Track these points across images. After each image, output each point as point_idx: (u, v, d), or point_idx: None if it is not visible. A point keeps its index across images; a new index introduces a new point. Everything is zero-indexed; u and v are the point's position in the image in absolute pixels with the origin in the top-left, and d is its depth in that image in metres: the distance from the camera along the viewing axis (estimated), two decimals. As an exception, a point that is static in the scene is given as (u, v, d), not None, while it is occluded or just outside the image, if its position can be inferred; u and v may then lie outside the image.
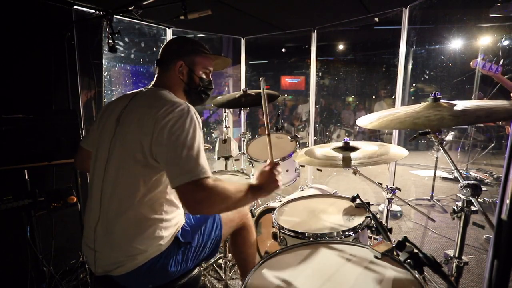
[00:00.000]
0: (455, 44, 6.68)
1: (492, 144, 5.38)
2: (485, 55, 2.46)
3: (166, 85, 1.25)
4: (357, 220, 1.42)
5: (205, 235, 1.31)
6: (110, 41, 2.07)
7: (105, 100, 2.63)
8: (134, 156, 1.07)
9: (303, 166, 2.69)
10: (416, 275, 0.96)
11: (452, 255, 1.16)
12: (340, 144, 1.66)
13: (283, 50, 9.60)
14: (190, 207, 0.98)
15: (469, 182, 1.05)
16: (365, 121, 1.31)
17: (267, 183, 1.17)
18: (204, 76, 1.33)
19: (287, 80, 11.37)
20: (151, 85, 1.30)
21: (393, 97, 3.96)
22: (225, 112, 2.81)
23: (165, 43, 1.33)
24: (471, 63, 2.48)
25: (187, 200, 0.98)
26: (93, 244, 1.12)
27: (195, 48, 1.29)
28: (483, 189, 1.17)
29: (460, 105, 1.12)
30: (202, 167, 0.99)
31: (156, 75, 1.31)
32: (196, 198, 0.97)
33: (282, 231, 1.41)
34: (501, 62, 2.37)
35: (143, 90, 1.24)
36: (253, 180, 1.21)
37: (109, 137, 1.15)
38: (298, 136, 2.29)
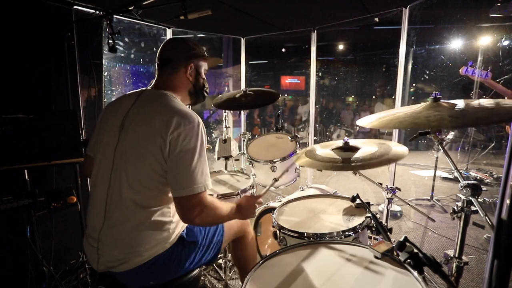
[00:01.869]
0: (455, 44, 6.68)
1: (492, 144, 5.38)
2: (473, 62, 2.46)
3: (170, 87, 1.25)
4: (357, 220, 1.42)
5: (208, 238, 1.33)
6: (110, 41, 2.07)
7: (105, 100, 2.63)
8: (144, 164, 1.09)
9: (303, 166, 2.69)
10: (416, 275, 0.96)
11: (452, 255, 1.16)
12: (340, 144, 1.65)
13: (283, 50, 9.60)
14: (185, 217, 1.09)
15: (469, 182, 1.05)
16: (365, 121, 1.31)
17: (247, 209, 1.30)
18: (204, 77, 1.38)
19: (287, 81, 11.38)
20: (152, 86, 1.29)
21: (393, 97, 3.96)
22: (225, 112, 2.80)
23: (167, 43, 1.32)
24: (460, 71, 2.49)
25: (184, 210, 1.08)
26: (97, 243, 1.13)
27: (200, 50, 1.33)
28: (483, 189, 1.17)
29: (461, 104, 1.12)
30: (204, 181, 1.09)
31: (158, 76, 1.30)
32: (193, 210, 1.07)
33: (282, 231, 1.41)
34: (490, 68, 2.36)
35: (146, 93, 1.23)
36: (237, 201, 1.32)
37: (113, 144, 1.15)
38: (298, 136, 2.29)
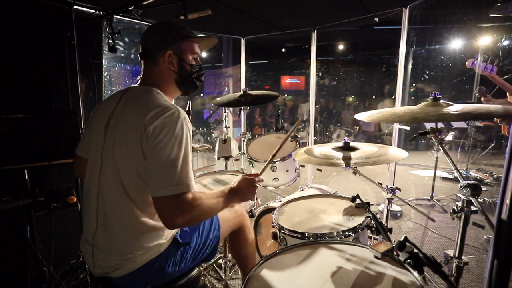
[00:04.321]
0: (455, 44, 6.69)
1: (492, 144, 5.38)
2: (480, 55, 2.46)
3: (156, 81, 1.18)
4: (357, 220, 1.42)
5: (203, 235, 1.30)
6: (110, 41, 2.06)
7: (105, 100, 2.63)
8: (128, 166, 1.05)
9: (303, 166, 2.69)
10: (416, 275, 0.96)
11: (452, 255, 1.17)
12: (340, 144, 1.66)
13: (283, 50, 9.61)
14: (166, 220, 0.98)
15: (469, 182, 1.05)
16: (365, 115, 1.33)
17: (246, 192, 1.22)
18: (194, 62, 1.24)
19: (287, 81, 11.38)
20: (139, 82, 1.23)
21: (393, 97, 3.96)
22: (225, 112, 2.81)
23: (146, 30, 1.22)
24: (467, 63, 2.49)
25: (163, 213, 0.97)
26: (92, 248, 1.12)
27: (180, 33, 1.19)
28: (483, 189, 1.17)
29: (458, 107, 1.12)
30: (184, 181, 0.97)
31: (142, 70, 1.23)
32: (173, 213, 0.96)
33: (282, 231, 1.41)
34: (496, 62, 2.36)
35: (130, 91, 1.18)
36: (234, 184, 1.23)
37: (100, 146, 1.12)
38: (298, 136, 2.29)
